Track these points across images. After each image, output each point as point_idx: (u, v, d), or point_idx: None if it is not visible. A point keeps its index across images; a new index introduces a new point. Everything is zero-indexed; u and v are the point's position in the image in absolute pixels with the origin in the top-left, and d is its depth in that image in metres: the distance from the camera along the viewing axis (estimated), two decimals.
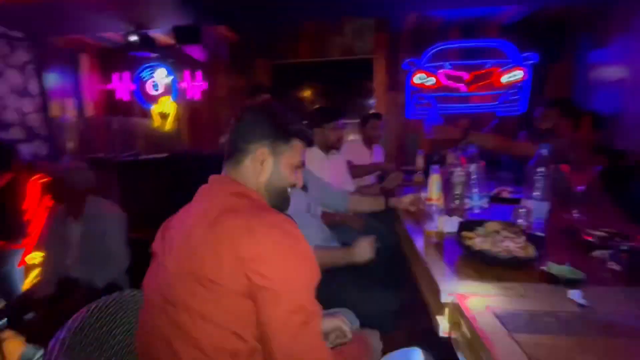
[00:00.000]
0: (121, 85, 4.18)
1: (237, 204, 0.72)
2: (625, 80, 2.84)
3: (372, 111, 4.00)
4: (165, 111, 4.25)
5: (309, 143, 0.86)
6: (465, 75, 3.87)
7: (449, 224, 1.15)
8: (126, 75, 4.16)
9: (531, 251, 0.92)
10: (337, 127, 2.07)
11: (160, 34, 3.58)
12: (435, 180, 1.22)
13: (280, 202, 0.83)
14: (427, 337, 0.85)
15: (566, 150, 1.77)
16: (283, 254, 0.65)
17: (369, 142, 2.89)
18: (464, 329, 0.70)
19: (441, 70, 3.91)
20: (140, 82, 4.20)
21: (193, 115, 4.26)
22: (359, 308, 1.16)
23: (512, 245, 0.94)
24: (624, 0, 2.83)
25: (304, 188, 1.50)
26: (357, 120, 3.11)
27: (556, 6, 3.24)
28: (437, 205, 1.22)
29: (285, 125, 0.81)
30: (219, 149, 2.69)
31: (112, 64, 4.22)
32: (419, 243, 1.12)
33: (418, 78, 3.94)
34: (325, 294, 1.14)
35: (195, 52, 3.82)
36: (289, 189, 0.84)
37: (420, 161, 2.33)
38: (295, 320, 0.62)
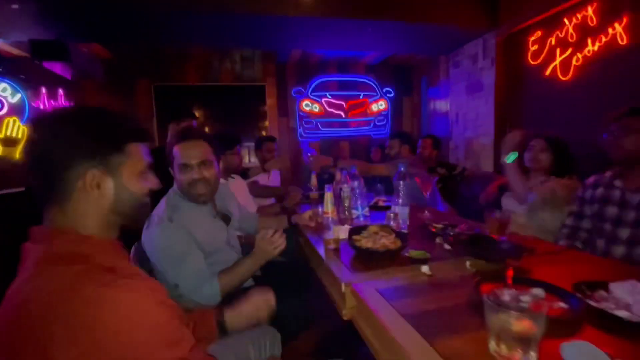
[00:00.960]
0: None
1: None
2: (450, 111, 3.90)
3: (265, 134, 4.22)
4: (11, 136, 3.45)
5: (147, 138, 0.74)
6: (344, 104, 4.54)
7: (342, 232, 1.41)
8: None
9: (399, 244, 1.24)
10: (236, 152, 2.18)
11: (4, 44, 2.95)
12: (329, 197, 1.48)
13: (136, 216, 0.73)
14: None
15: (409, 167, 2.35)
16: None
17: (264, 164, 3.07)
18: (359, 307, 0.93)
19: (324, 99, 4.47)
20: None
21: None
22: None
23: (387, 242, 1.26)
24: (444, 55, 3.92)
25: (226, 220, 1.51)
26: (252, 144, 3.27)
27: (401, 55, 4.19)
28: (332, 217, 1.47)
29: (113, 131, 0.67)
30: None
31: None
32: (321, 250, 1.34)
33: (305, 105, 4.40)
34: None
35: (58, 67, 3.29)
36: (144, 198, 0.73)
37: (314, 180, 2.63)
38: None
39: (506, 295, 0.76)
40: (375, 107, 4.66)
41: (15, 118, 3.43)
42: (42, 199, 0.64)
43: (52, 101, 3.45)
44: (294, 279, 1.63)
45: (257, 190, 2.67)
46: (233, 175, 2.20)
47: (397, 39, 3.32)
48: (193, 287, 1.20)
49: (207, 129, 4.19)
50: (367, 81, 4.63)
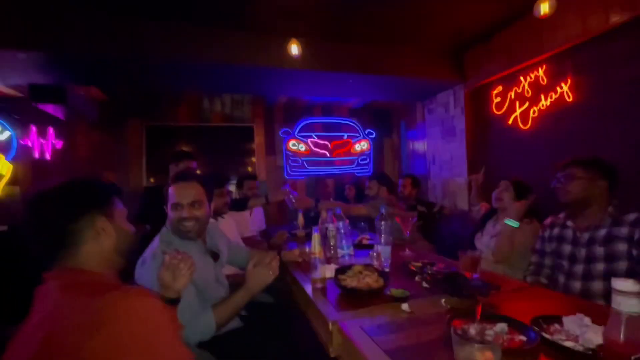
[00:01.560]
0: None
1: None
2: (427, 152, 4.18)
3: (251, 171, 4.35)
4: None
5: (119, 190, 0.93)
6: (329, 144, 4.78)
7: (328, 271, 1.50)
8: None
9: (382, 283, 1.34)
10: (224, 193, 2.25)
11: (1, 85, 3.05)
12: (316, 238, 1.57)
13: (129, 253, 0.89)
14: None
15: (388, 207, 2.50)
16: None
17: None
18: (345, 344, 1.01)
19: (310, 139, 4.70)
20: None
21: (41, 177, 3.58)
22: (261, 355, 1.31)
23: (370, 281, 1.36)
24: (420, 102, 4.29)
25: (215, 257, 1.58)
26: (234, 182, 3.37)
27: (381, 101, 4.55)
28: (319, 258, 1.56)
29: (103, 188, 0.87)
30: None
31: None
32: (308, 289, 1.42)
33: (292, 144, 4.60)
34: (231, 348, 1.27)
35: (50, 107, 3.38)
36: (133, 237, 0.90)
37: (300, 219, 2.73)
38: None
39: (472, 329, 0.87)
40: (358, 147, 4.92)
41: (1, 155, 3.43)
42: (50, 255, 0.76)
43: (41, 139, 3.49)
44: (281, 319, 1.65)
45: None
46: (223, 215, 2.27)
47: (376, 88, 3.64)
48: (188, 319, 1.22)
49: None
50: (350, 123, 4.93)
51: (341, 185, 4.86)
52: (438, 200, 3.80)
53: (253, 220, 3.11)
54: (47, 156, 3.53)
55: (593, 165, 1.43)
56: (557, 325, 0.95)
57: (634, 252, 1.28)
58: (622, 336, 0.66)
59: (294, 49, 2.52)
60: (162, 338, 0.69)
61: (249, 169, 4.48)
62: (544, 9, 2.00)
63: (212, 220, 2.06)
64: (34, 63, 2.47)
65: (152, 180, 4.04)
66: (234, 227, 2.48)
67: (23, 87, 3.01)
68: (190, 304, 1.25)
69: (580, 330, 0.90)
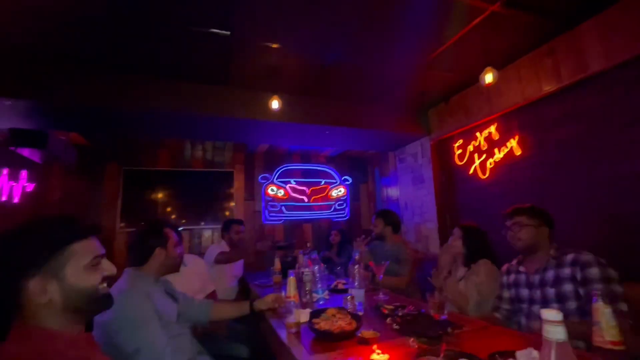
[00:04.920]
0: None
1: None
2: (400, 199, 4.40)
3: (231, 217, 4.35)
4: None
5: (93, 231, 0.78)
6: (307, 190, 4.93)
7: (303, 315, 1.53)
8: None
9: (355, 325, 1.39)
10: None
11: None
12: (291, 282, 1.62)
13: (94, 307, 0.77)
14: None
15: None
16: None
17: (231, 245, 3.16)
18: None
19: (289, 185, 4.84)
20: None
21: (7, 221, 3.42)
22: None
23: (343, 324, 1.40)
24: (392, 151, 4.61)
25: (174, 299, 1.58)
26: (219, 226, 3.39)
27: (356, 150, 4.85)
28: (294, 302, 1.59)
29: (47, 240, 0.71)
30: None
31: None
32: (282, 334, 1.44)
33: (271, 190, 4.71)
34: None
35: (26, 150, 3.36)
36: (99, 287, 0.77)
37: (277, 263, 2.74)
38: None
39: None
40: (335, 193, 5.10)
41: None
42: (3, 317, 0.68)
43: (12, 182, 3.40)
44: None
45: (224, 257, 2.81)
46: (185, 263, 2.26)
47: (351, 139, 3.93)
48: (159, 350, 1.25)
49: (169, 210, 4.25)
50: (327, 170, 5.15)
51: (320, 231, 4.93)
52: (412, 245, 3.93)
53: (232, 266, 3.09)
54: (16, 199, 3.41)
55: (534, 212, 1.59)
56: None
57: (581, 291, 1.38)
58: None
59: (275, 103, 2.75)
60: None
61: (227, 213, 4.48)
62: (488, 78, 2.37)
63: None
64: (17, 110, 2.53)
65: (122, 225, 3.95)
66: (202, 271, 2.47)
67: (1, 131, 3.01)
68: (160, 334, 1.30)
69: None
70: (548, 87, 2.53)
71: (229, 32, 2.19)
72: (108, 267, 0.81)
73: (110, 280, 0.83)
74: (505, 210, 1.68)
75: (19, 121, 2.72)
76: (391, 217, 2.80)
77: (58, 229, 0.74)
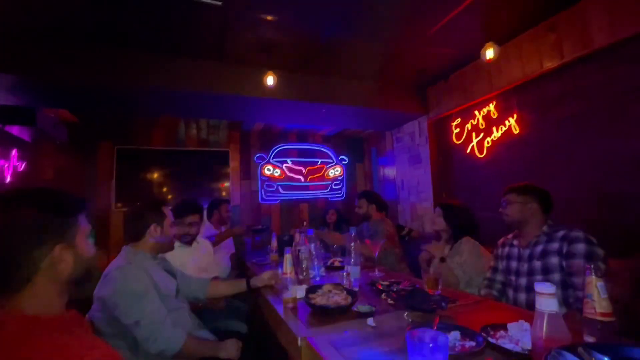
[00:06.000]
0: None
1: None
2: (396, 178, 4.41)
3: (224, 196, 4.35)
4: None
5: (85, 206, 0.78)
6: (303, 169, 4.91)
7: (299, 291, 1.55)
8: None
9: (350, 300, 1.41)
10: (196, 221, 2.19)
11: None
12: (288, 259, 1.63)
13: (88, 280, 0.77)
14: None
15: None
16: None
17: (221, 224, 3.16)
18: (313, 358, 1.05)
19: (285, 165, 4.81)
20: None
21: None
22: None
23: (339, 299, 1.42)
24: (389, 130, 4.57)
25: (173, 275, 1.61)
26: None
27: (353, 129, 4.80)
28: (291, 277, 1.61)
29: (67, 205, 0.72)
30: None
31: None
32: (279, 309, 1.46)
33: (267, 170, 4.68)
34: None
35: (15, 129, 3.27)
36: (95, 261, 0.78)
37: (274, 242, 2.76)
38: None
39: (427, 336, 0.96)
40: (331, 173, 5.08)
41: None
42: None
43: (3, 161, 3.34)
44: (255, 349, 1.67)
45: (217, 238, 2.84)
46: (198, 240, 2.27)
47: (348, 118, 3.87)
48: (158, 321, 1.28)
49: (165, 190, 4.22)
50: (324, 149, 5.11)
51: (316, 210, 4.95)
52: (407, 224, 3.97)
53: (224, 245, 3.10)
54: (7, 178, 3.36)
55: (525, 191, 1.65)
56: (502, 332, 1.06)
57: (564, 263, 1.46)
58: (544, 333, 0.78)
59: (270, 79, 2.68)
60: None
61: (223, 193, 4.47)
62: (489, 54, 2.31)
63: (177, 243, 2.06)
64: (3, 85, 2.44)
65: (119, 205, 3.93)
66: (209, 254, 2.48)
67: None
68: (159, 306, 1.33)
69: (521, 334, 1.02)
70: (549, 64, 2.48)
71: (220, 2, 2.09)
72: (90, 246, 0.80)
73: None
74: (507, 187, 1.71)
75: (4, 97, 2.63)
76: (373, 195, 2.89)
77: (70, 198, 0.73)
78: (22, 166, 3.44)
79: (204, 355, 1.40)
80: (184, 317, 1.50)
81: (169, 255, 1.67)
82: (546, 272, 1.50)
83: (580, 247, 1.41)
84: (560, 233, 1.51)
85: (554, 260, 1.48)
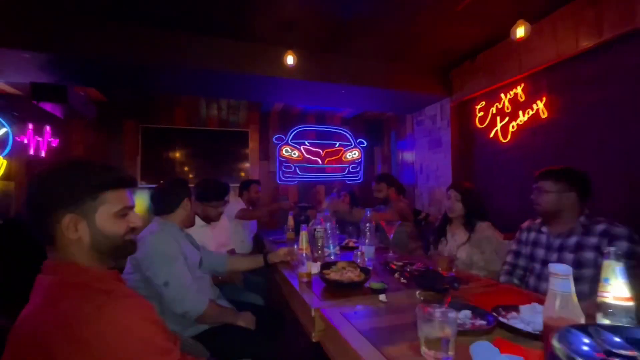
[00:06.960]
0: None
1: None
2: (415, 162, 4.34)
3: (247, 177, 4.44)
4: None
5: (127, 183, 0.83)
6: (321, 151, 4.91)
7: (314, 267, 1.60)
8: None
9: (363, 277, 1.45)
10: (221, 205, 2.20)
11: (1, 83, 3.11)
12: (304, 235, 1.68)
13: (117, 254, 0.81)
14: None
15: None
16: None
17: (250, 204, 3.26)
18: (326, 329, 1.11)
19: (303, 146, 4.83)
20: None
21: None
22: (252, 345, 1.42)
23: (352, 275, 1.46)
24: (409, 114, 4.47)
25: (197, 248, 1.70)
26: (237, 185, 3.49)
27: (373, 111, 4.72)
28: (306, 254, 1.66)
29: (87, 182, 0.76)
30: None
31: None
32: (295, 283, 1.52)
33: (285, 151, 4.72)
34: (224, 343, 1.38)
35: (49, 105, 3.44)
36: (125, 236, 0.81)
37: (290, 221, 2.83)
38: None
39: (437, 312, 0.98)
40: (349, 156, 5.07)
41: None
42: (39, 238, 0.75)
43: (37, 137, 3.54)
44: (271, 320, 1.74)
45: (246, 213, 2.98)
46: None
47: (368, 100, 3.81)
48: (185, 284, 1.40)
49: (186, 169, 4.36)
50: (342, 132, 5.08)
51: (332, 192, 4.98)
52: (424, 208, 3.94)
53: (250, 223, 3.23)
54: (43, 153, 3.58)
55: (562, 177, 1.49)
56: (514, 313, 1.07)
57: (600, 260, 1.37)
58: (556, 313, 0.78)
59: (290, 59, 2.66)
60: (145, 351, 0.69)
61: (242, 173, 4.57)
62: (520, 32, 2.18)
63: (201, 223, 2.14)
64: (36, 63, 2.55)
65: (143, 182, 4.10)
66: (225, 232, 2.58)
67: (24, 85, 3.08)
68: (187, 272, 1.45)
69: (533, 316, 1.02)
70: (586, 43, 2.32)
71: None
72: (135, 219, 0.84)
73: (137, 231, 0.87)
74: (536, 172, 1.60)
75: (38, 75, 2.76)
76: (392, 179, 2.92)
77: (97, 175, 0.78)
78: (55, 142, 3.64)
79: (224, 321, 1.50)
80: (207, 286, 1.60)
81: (190, 231, 1.77)
82: (579, 265, 1.39)
83: (623, 245, 1.28)
84: (600, 227, 1.39)
85: (590, 255, 1.38)
